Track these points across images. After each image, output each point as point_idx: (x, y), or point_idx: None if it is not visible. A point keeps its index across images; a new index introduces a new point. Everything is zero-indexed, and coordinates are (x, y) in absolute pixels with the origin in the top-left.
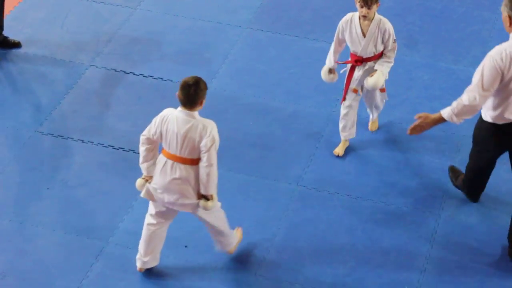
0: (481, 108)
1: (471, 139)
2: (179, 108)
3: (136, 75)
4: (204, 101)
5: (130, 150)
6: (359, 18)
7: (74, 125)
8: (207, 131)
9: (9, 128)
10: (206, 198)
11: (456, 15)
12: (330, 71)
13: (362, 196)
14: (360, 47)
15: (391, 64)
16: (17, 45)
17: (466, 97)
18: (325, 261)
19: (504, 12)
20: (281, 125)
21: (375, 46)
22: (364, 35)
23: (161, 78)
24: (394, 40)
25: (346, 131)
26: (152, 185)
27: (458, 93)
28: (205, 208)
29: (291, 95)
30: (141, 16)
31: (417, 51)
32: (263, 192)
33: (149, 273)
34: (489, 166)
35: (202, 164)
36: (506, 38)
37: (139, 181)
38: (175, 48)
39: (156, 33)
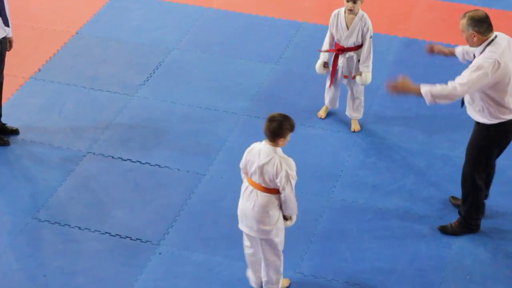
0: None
1: None
2: (264, 141)
3: (133, 162)
4: (287, 139)
5: (127, 237)
6: (345, 12)
7: (71, 212)
8: (282, 168)
9: (6, 214)
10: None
11: (452, 102)
12: (325, 64)
13: (359, 283)
14: (343, 38)
15: (371, 59)
16: (15, 132)
17: (452, 87)
18: None
19: (469, 30)
20: None
21: (357, 38)
22: (347, 28)
23: (158, 165)
24: (371, 36)
25: (332, 103)
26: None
27: (455, 179)
28: (285, 224)
29: None
30: (138, 103)
31: (413, 138)
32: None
33: None
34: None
35: (281, 195)
36: None
37: None
38: (172, 135)
39: (153, 120)
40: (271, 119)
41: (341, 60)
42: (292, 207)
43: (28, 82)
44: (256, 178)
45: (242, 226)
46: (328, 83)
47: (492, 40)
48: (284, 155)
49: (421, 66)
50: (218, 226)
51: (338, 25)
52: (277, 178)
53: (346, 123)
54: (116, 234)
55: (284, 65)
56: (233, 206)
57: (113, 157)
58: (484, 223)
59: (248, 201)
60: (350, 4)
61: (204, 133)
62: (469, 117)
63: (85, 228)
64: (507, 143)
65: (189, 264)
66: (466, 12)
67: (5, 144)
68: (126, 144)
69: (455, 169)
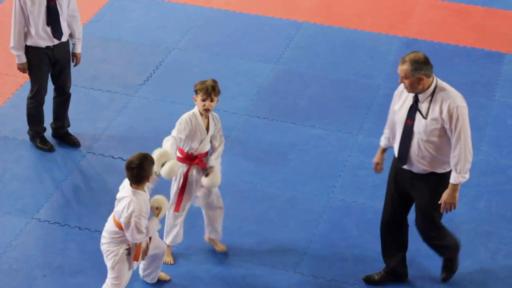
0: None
1: (469, 225)
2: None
3: None
4: (153, 176)
5: None
6: (201, 114)
7: (71, 212)
8: (128, 211)
9: (7, 214)
10: None
11: None
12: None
13: (358, 283)
14: (201, 143)
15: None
16: (75, 144)
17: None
18: None
19: (415, 75)
20: (278, 211)
21: (211, 139)
22: (207, 131)
23: None
24: (222, 133)
25: (175, 239)
26: None
27: None
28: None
29: (288, 181)
30: (139, 103)
31: None
32: (260, 279)
33: None
34: None
35: (127, 232)
36: (502, 124)
37: None
38: None
39: (153, 120)
40: (129, 167)
41: (195, 173)
42: (136, 238)
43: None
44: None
45: None
46: (172, 209)
47: (436, 81)
48: (141, 198)
49: None
50: None
51: (197, 129)
52: (122, 215)
53: (346, 123)
54: None
55: (284, 65)
56: (232, 206)
57: (113, 157)
58: (483, 223)
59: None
60: (207, 103)
61: None
62: (469, 117)
63: (85, 228)
64: None
65: (189, 264)
66: (405, 56)
67: (75, 145)
68: (126, 144)
69: None
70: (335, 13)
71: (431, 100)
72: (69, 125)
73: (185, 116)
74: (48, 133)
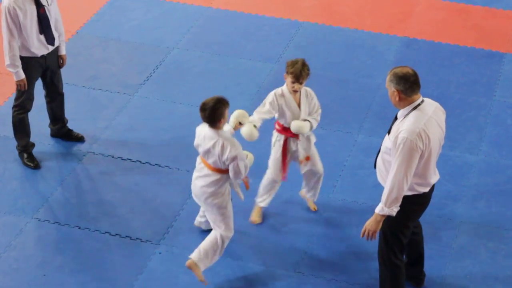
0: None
1: (469, 225)
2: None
3: (133, 161)
4: (227, 116)
5: (127, 236)
6: (290, 93)
7: (71, 212)
8: (226, 150)
9: (6, 214)
10: None
11: (452, 102)
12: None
13: (359, 283)
14: (295, 118)
15: (317, 122)
16: (80, 139)
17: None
18: None
19: (391, 88)
20: (278, 211)
21: (306, 115)
22: (299, 108)
23: (158, 165)
24: (319, 106)
25: (266, 200)
26: None
27: (454, 178)
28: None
29: (288, 181)
30: (139, 103)
31: None
32: (261, 279)
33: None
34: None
35: (230, 173)
36: (502, 124)
37: None
38: (172, 134)
39: (153, 120)
40: (203, 108)
41: (295, 143)
42: (240, 178)
43: None
44: (206, 159)
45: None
46: (275, 176)
47: (418, 105)
48: (228, 136)
49: (421, 66)
50: None
51: (289, 106)
52: (223, 157)
53: (346, 123)
54: (116, 234)
55: (284, 65)
56: (233, 205)
57: (113, 157)
58: (484, 223)
59: (196, 172)
60: (296, 86)
61: None
62: (469, 117)
63: (85, 228)
64: (418, 216)
65: None
66: (396, 67)
67: (80, 140)
68: (126, 144)
69: (455, 169)
70: (335, 13)
71: (402, 120)
72: (67, 121)
73: (271, 95)
74: (47, 133)
